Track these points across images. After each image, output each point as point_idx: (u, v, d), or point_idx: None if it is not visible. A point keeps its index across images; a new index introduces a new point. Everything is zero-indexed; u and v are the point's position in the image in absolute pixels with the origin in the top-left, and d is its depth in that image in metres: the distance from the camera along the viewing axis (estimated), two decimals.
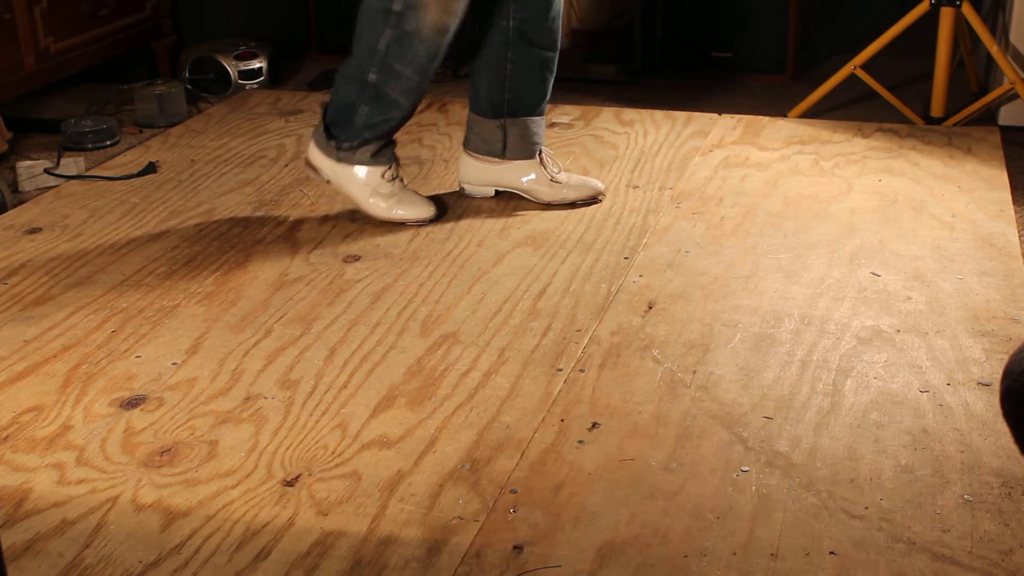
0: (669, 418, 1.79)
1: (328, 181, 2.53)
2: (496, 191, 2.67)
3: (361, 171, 2.49)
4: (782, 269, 2.29)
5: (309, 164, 2.56)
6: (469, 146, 2.65)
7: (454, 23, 2.37)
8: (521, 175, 2.61)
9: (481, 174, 2.65)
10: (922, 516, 1.55)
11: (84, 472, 1.67)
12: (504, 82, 2.55)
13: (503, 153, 2.61)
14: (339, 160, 2.49)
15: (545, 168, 2.61)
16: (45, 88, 3.48)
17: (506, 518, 1.56)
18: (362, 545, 1.51)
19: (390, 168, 2.50)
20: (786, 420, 1.78)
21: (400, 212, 2.50)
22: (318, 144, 2.53)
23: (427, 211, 2.53)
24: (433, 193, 2.71)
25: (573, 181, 2.64)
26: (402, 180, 2.55)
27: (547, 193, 2.61)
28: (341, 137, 2.48)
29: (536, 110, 2.59)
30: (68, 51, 3.42)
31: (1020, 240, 2.44)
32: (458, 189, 2.71)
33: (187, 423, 1.79)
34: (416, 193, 2.57)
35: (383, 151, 2.50)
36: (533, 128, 2.59)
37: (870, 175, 2.79)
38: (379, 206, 2.50)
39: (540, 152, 2.62)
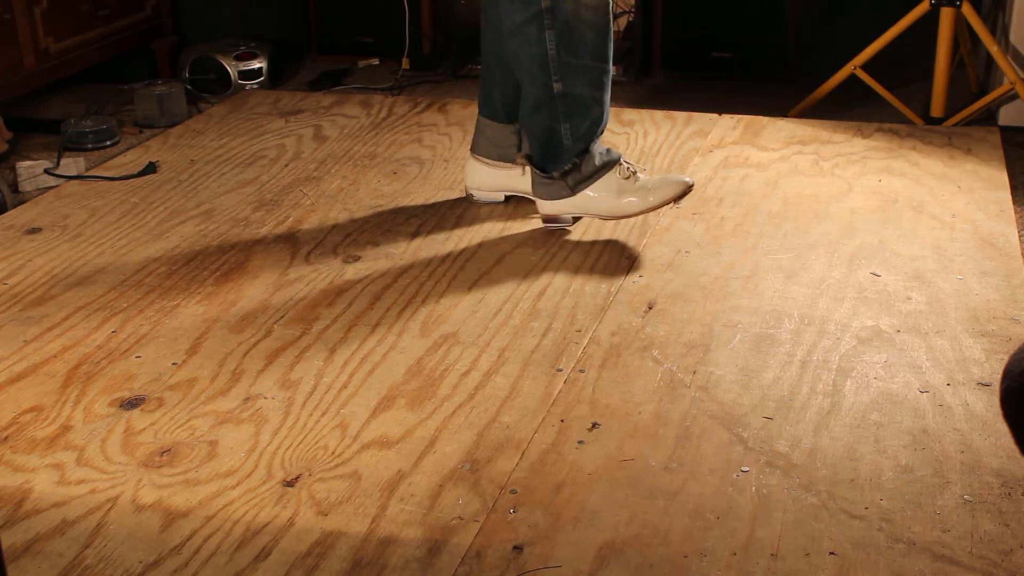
0: (669, 418, 1.79)
1: (574, 221, 2.45)
2: (506, 196, 2.62)
3: (599, 184, 2.38)
4: (782, 269, 2.29)
5: (546, 219, 2.47)
6: (478, 151, 2.59)
7: None
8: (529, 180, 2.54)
9: (491, 179, 2.59)
10: (922, 516, 1.55)
11: (84, 472, 1.67)
12: (518, 87, 2.46)
13: (516, 158, 2.55)
14: (574, 190, 2.39)
15: None
16: (45, 88, 3.48)
17: (506, 518, 1.56)
18: (362, 545, 1.51)
19: (621, 163, 2.39)
20: (786, 420, 1.78)
21: (657, 197, 2.36)
22: (544, 194, 2.43)
23: (682, 183, 2.37)
24: (434, 192, 2.71)
25: None
26: (639, 168, 2.43)
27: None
28: (560, 165, 2.39)
29: None
30: (68, 51, 3.42)
31: (1020, 240, 2.44)
32: (464, 195, 2.66)
33: (187, 423, 1.79)
34: (660, 175, 2.43)
35: (608, 152, 2.40)
36: None
37: (870, 175, 2.79)
38: (634, 203, 2.37)
39: None
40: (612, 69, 2.36)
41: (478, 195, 2.63)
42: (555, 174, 2.39)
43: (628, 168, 2.40)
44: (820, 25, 4.24)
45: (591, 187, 2.39)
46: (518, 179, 2.57)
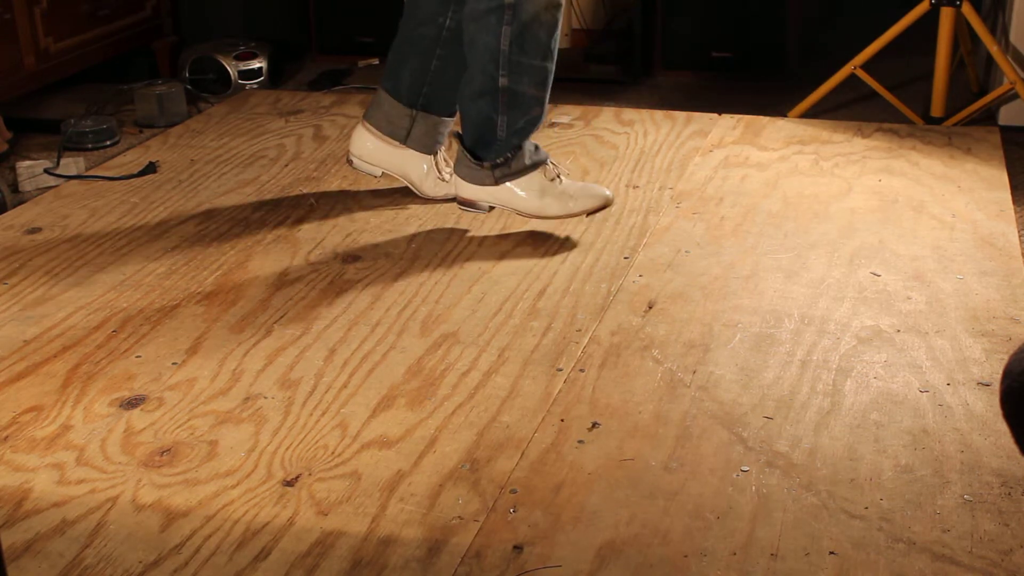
0: (669, 418, 1.79)
1: (490, 209, 2.46)
2: (382, 173, 2.63)
3: (524, 180, 2.40)
4: (782, 269, 2.29)
5: (463, 203, 2.46)
6: (370, 120, 2.60)
7: None
8: (414, 166, 2.59)
9: (375, 152, 2.60)
10: (922, 516, 1.55)
11: (84, 472, 1.67)
12: (426, 75, 2.51)
13: (404, 140, 2.58)
14: (497, 181, 2.40)
15: (436, 167, 2.61)
16: (45, 88, 3.48)
17: (506, 518, 1.56)
18: (362, 545, 1.51)
19: (548, 164, 2.42)
20: (786, 420, 1.78)
21: (577, 205, 2.40)
22: (467, 177, 2.43)
23: (603, 196, 2.42)
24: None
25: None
26: (564, 171, 2.46)
27: (431, 189, 2.61)
28: (490, 156, 2.40)
29: (451, 112, 2.57)
30: (68, 51, 3.42)
31: (1020, 240, 2.44)
32: (346, 160, 2.70)
33: (187, 423, 1.79)
34: (583, 183, 2.46)
35: (538, 150, 2.42)
36: (441, 129, 2.58)
37: (870, 175, 2.79)
38: (553, 206, 2.40)
39: (438, 151, 2.61)
40: (553, 68, 2.38)
41: (358, 163, 2.63)
42: (485, 163, 2.41)
43: (554, 169, 2.43)
44: (820, 25, 4.24)
45: (515, 182, 2.41)
46: (398, 160, 2.59)
